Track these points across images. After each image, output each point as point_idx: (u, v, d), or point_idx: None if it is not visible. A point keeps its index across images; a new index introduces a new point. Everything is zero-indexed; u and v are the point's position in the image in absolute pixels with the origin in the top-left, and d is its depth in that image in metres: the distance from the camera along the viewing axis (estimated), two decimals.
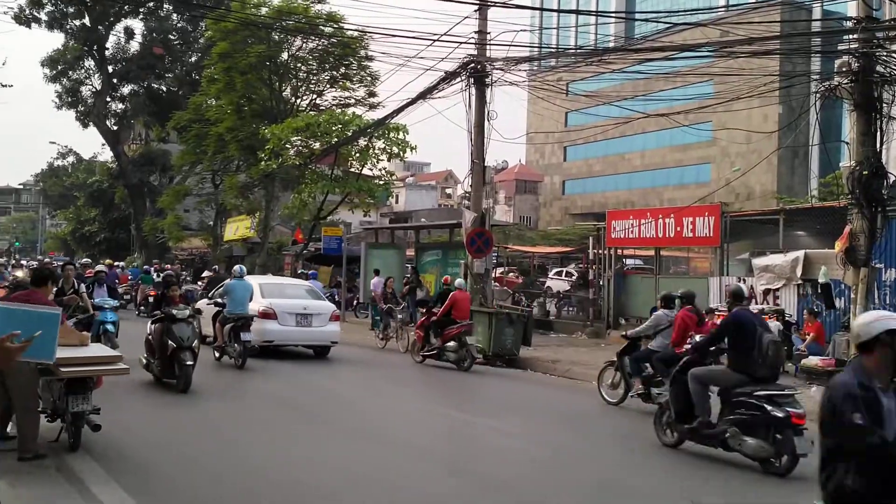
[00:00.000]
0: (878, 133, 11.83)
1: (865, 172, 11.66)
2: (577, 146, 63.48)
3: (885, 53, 11.81)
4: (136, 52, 43.00)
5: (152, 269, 28.62)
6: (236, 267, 15.00)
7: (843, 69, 12.12)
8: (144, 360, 11.63)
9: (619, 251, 23.18)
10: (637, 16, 52.27)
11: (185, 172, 39.14)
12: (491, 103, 17.76)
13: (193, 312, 11.52)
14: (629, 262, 27.64)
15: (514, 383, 13.77)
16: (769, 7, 29.22)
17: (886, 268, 14.24)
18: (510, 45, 26.05)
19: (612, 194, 61.01)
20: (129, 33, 43.27)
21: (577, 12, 49.10)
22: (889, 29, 12.34)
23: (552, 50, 38.03)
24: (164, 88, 43.72)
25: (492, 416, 10.38)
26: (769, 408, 7.52)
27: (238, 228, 36.17)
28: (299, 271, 28.61)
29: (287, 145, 27.29)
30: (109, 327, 13.08)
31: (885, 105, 11.87)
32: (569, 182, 67.92)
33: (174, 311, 11.10)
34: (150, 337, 11.56)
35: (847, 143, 12.88)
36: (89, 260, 18.76)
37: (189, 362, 10.66)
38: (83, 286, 12.64)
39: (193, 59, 42.47)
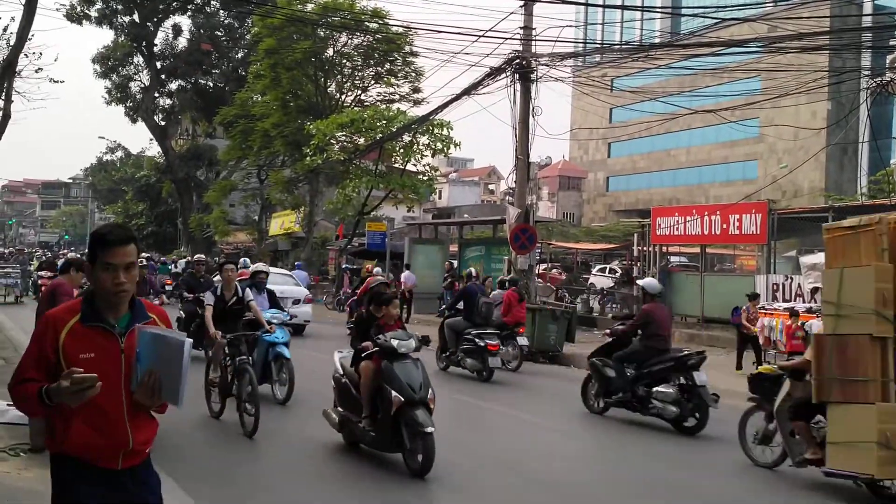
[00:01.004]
0: None
1: None
2: (621, 142, 63.01)
3: None
4: (183, 48, 43.80)
5: (167, 259, 29.22)
6: (241, 259, 17.87)
7: (895, 65, 11.91)
8: (336, 416, 7.57)
9: (664, 248, 23.00)
10: (683, 11, 51.62)
11: (230, 167, 39.79)
12: (535, 99, 17.76)
13: (420, 343, 7.31)
14: (674, 259, 27.44)
15: (557, 381, 13.78)
16: (819, 2, 28.59)
17: None
18: (555, 41, 25.88)
19: (657, 191, 60.39)
20: (177, 30, 44.13)
21: (623, 7, 48.75)
22: None
23: (597, 46, 37.78)
24: (211, 84, 44.49)
25: (537, 412, 10.46)
26: (477, 340, 12.63)
27: (283, 223, 36.67)
28: (343, 266, 28.94)
29: (332, 141, 27.58)
30: (284, 351, 9.53)
31: None
32: (613, 178, 67.42)
33: (394, 342, 7.04)
34: (343, 379, 7.63)
35: None
36: (202, 256, 17.94)
37: (429, 429, 6.61)
38: (249, 293, 9.08)
39: (240, 55, 43.13)
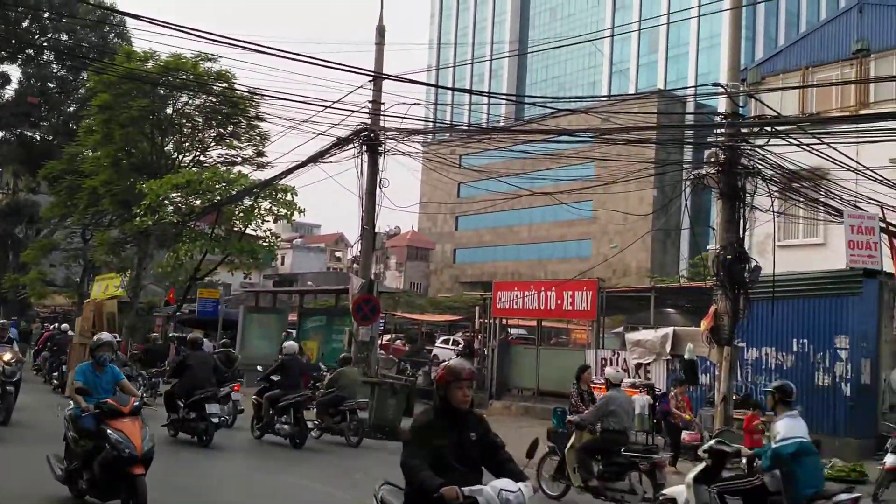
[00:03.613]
0: (741, 221, 12.61)
1: (729, 257, 12.36)
2: (468, 216, 64.89)
3: (748, 147, 12.70)
4: (10, 98, 41.01)
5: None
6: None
7: (711, 160, 12.94)
8: None
9: (505, 321, 23.51)
10: (526, 99, 54.59)
11: (53, 225, 37.12)
12: (384, 171, 17.79)
13: None
14: (514, 331, 28.10)
15: (394, 457, 13.43)
16: (646, 100, 31.19)
17: (748, 347, 14.99)
18: (403, 117, 26.16)
19: (501, 264, 62.42)
20: (5, 79, 41.30)
21: (471, 92, 50.97)
22: (752, 125, 13.33)
23: (445, 125, 39.05)
24: (38, 137, 41.76)
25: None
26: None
27: (107, 287, 34.19)
28: (171, 335, 27.39)
29: (165, 201, 26.38)
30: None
31: (747, 195, 12.70)
32: (459, 251, 69.08)
33: None
34: None
35: (713, 229, 13.68)
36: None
37: None
38: None
39: (72, 108, 40.85)
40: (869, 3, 22.52)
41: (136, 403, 7.82)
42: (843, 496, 6.95)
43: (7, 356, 12.50)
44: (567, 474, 9.98)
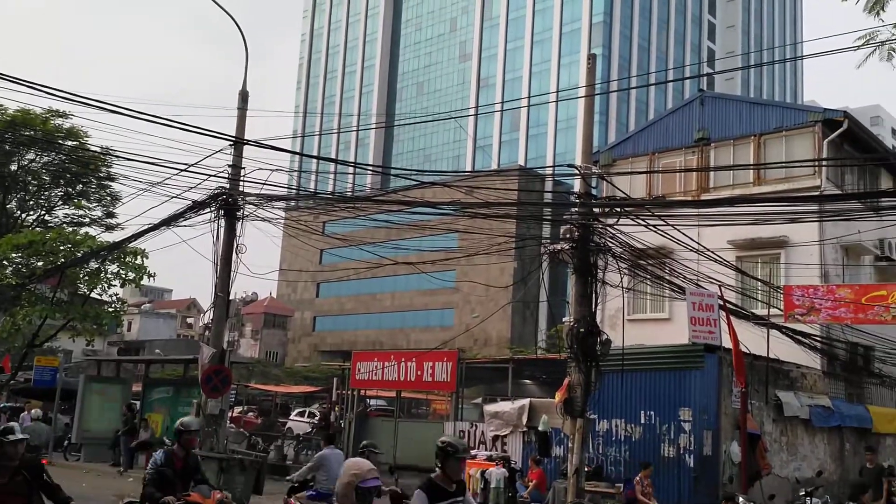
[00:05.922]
0: (594, 295, 13.11)
1: (582, 330, 12.77)
2: (330, 283, 64.15)
3: (600, 226, 13.32)
4: None
5: None
6: None
7: (566, 236, 13.45)
8: None
9: (363, 392, 23.09)
10: (392, 170, 55.39)
11: None
12: (241, 236, 17.27)
13: None
14: (373, 402, 27.66)
15: None
16: (508, 177, 32.38)
17: (600, 419, 15.42)
18: (265, 183, 25.62)
19: (363, 332, 61.84)
20: None
21: (336, 161, 51.20)
22: (603, 206, 14.04)
23: (308, 193, 38.82)
24: None
25: None
26: None
27: None
28: (2, 405, 25.06)
29: (5, 262, 24.43)
30: None
31: (599, 271, 13.25)
32: (320, 318, 67.90)
33: None
34: None
35: (568, 302, 14.12)
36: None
37: None
38: None
39: None
40: (709, 96, 24.64)
41: None
42: None
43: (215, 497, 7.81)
44: None
